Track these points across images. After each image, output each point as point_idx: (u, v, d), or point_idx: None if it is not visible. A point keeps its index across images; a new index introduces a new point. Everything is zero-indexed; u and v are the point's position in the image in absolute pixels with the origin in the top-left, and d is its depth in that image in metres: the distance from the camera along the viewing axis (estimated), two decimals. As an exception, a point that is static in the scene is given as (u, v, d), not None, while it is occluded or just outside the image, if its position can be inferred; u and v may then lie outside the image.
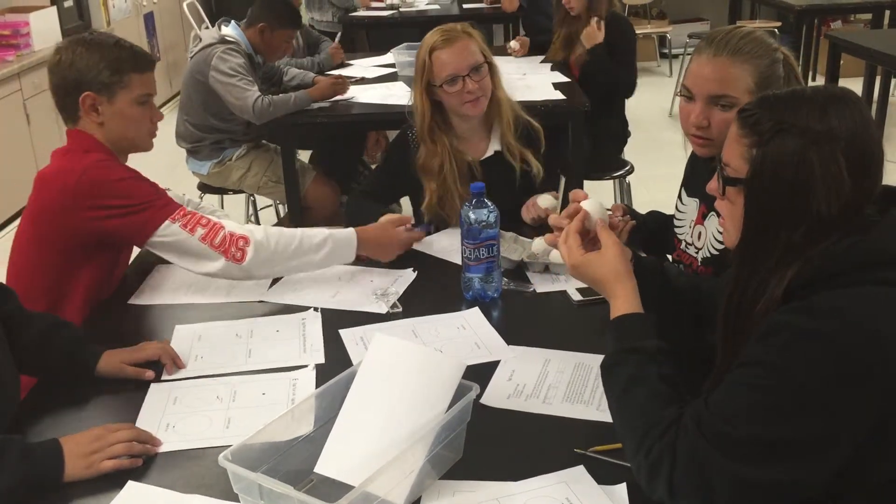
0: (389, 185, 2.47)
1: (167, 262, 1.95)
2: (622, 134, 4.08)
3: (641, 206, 2.31)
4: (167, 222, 1.84)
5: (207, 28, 4.48)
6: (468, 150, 2.34)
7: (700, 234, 1.82)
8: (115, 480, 1.32)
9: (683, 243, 1.87)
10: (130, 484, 1.31)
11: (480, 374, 1.54)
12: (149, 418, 1.49)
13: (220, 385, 1.59)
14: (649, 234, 1.97)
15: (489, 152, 2.34)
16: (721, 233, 1.71)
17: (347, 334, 1.76)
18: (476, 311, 1.85)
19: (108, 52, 1.88)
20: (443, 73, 2.23)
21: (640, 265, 1.47)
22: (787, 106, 1.14)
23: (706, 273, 1.77)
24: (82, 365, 1.61)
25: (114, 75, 1.87)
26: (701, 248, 1.80)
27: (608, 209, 1.50)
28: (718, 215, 1.71)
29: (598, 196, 1.48)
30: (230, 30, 3.55)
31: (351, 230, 1.99)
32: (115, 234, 1.88)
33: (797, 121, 1.11)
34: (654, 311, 1.34)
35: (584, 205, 1.43)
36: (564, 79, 3.74)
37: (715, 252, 1.75)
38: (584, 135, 3.39)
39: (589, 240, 1.42)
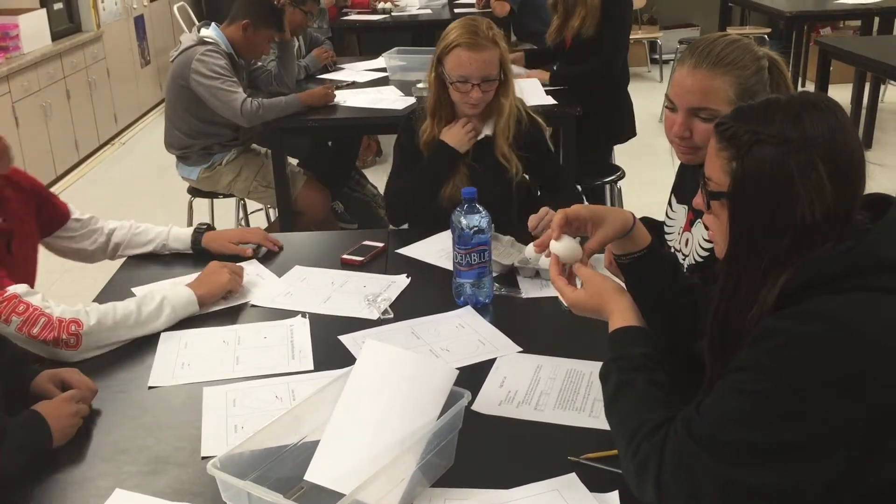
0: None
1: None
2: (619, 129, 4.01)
3: (632, 210, 2.31)
4: None
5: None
6: None
7: (687, 240, 1.82)
8: (102, 488, 1.31)
9: (672, 250, 1.87)
10: (118, 492, 1.30)
11: (472, 380, 1.53)
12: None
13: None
14: None
15: (480, 136, 2.38)
16: (707, 239, 1.72)
17: (349, 340, 1.75)
18: (469, 309, 1.86)
19: None
20: (456, 71, 2.26)
21: (657, 254, 1.49)
22: (762, 116, 1.14)
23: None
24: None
25: None
26: (688, 255, 1.81)
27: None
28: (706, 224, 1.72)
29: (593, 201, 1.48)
30: (210, 31, 3.49)
31: (186, 289, 1.87)
32: None
33: (772, 129, 1.11)
34: (658, 306, 1.35)
35: (553, 247, 1.42)
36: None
37: (700, 259, 1.75)
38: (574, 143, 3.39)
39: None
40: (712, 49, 1.60)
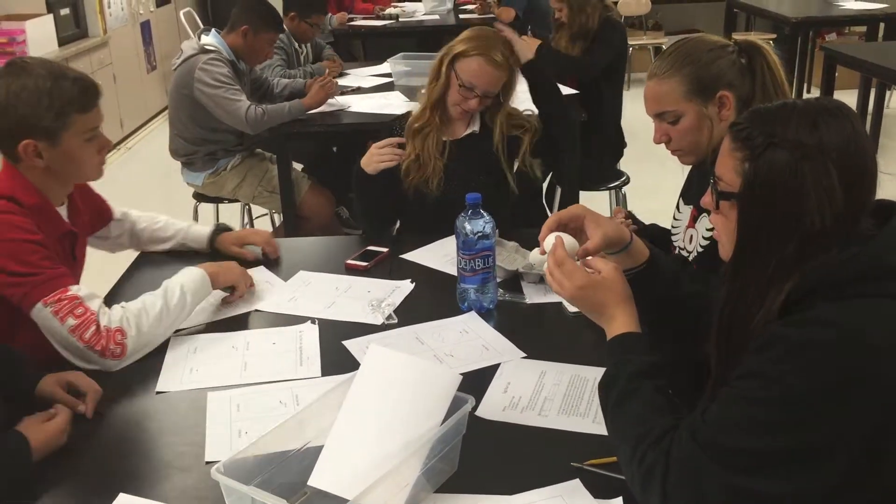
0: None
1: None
2: (618, 145, 4.11)
3: (636, 216, 2.31)
4: (39, 304, 1.64)
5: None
6: (446, 130, 2.48)
7: (692, 236, 1.84)
8: (106, 492, 1.31)
9: (677, 249, 1.90)
10: (122, 496, 1.30)
11: (476, 386, 1.53)
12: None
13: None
14: (650, 242, 1.98)
15: (466, 132, 2.49)
16: (708, 229, 1.73)
17: (353, 345, 1.75)
18: (473, 314, 1.86)
19: (50, 90, 1.66)
20: (468, 76, 2.36)
21: (656, 268, 1.47)
22: (778, 119, 1.14)
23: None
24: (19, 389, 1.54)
25: (57, 119, 1.67)
26: (692, 251, 1.82)
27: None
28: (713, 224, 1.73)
29: (595, 206, 1.49)
30: (211, 38, 3.50)
31: (197, 269, 1.87)
32: (4, 296, 1.67)
33: (788, 134, 1.12)
34: (660, 317, 1.36)
35: (546, 243, 1.40)
36: (566, 90, 3.73)
37: (702, 248, 1.77)
38: (578, 146, 3.40)
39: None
40: (661, 58, 1.75)
